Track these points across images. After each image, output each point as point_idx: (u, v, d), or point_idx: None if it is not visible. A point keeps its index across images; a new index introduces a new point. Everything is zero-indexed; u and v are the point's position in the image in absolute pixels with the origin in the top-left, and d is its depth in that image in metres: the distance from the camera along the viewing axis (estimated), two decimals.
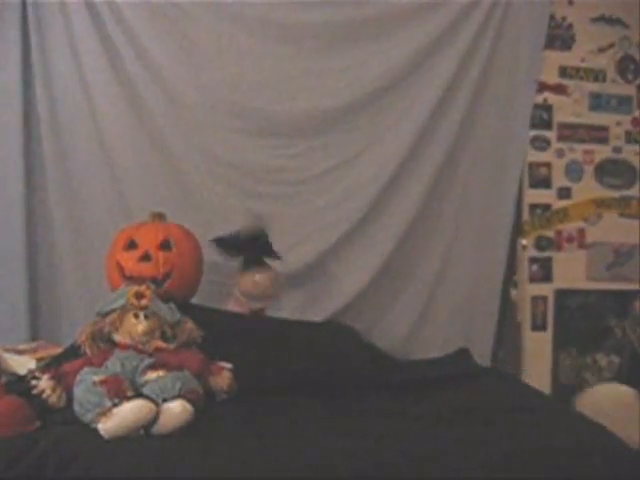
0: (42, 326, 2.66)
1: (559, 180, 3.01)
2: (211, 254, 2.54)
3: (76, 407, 1.78)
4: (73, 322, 2.50)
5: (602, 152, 3.04)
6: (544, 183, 2.99)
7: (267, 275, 2.49)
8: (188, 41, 2.73)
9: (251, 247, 2.50)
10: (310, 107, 2.76)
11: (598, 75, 3.03)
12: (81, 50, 2.66)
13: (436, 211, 2.87)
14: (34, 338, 2.57)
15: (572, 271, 3.01)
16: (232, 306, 2.52)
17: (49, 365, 2.09)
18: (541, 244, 2.99)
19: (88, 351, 1.99)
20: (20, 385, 1.97)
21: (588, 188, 3.02)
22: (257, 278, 2.47)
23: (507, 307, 2.95)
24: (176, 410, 1.75)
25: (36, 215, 2.68)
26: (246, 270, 2.50)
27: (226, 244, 2.49)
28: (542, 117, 2.99)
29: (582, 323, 3.02)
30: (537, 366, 2.96)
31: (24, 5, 2.60)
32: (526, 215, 2.96)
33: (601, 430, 1.93)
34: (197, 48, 2.73)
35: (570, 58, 3.01)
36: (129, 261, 2.29)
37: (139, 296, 2.00)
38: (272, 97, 2.75)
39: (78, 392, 1.79)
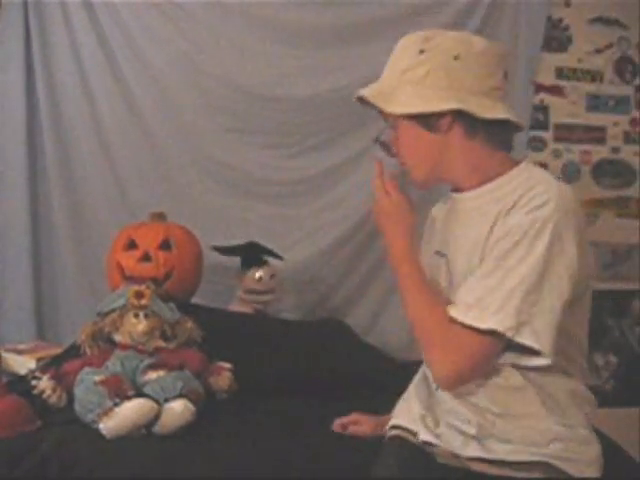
0: (45, 326, 2.65)
1: None
2: (212, 255, 2.54)
3: (77, 407, 1.78)
4: (75, 322, 2.48)
5: (600, 152, 3.06)
6: None
7: (268, 270, 2.52)
8: (186, 41, 2.72)
9: (250, 248, 2.53)
10: (310, 107, 2.75)
11: (595, 76, 3.04)
12: (81, 51, 2.66)
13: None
14: (38, 338, 2.56)
15: None
16: (235, 306, 2.53)
17: (49, 365, 2.08)
18: None
19: (88, 351, 1.98)
20: (20, 385, 1.97)
21: (585, 188, 3.03)
22: (259, 274, 2.50)
23: None
24: (178, 409, 1.74)
25: (39, 214, 2.67)
26: (247, 268, 2.52)
27: (224, 250, 2.52)
28: (538, 118, 3.01)
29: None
30: None
31: (25, 5, 2.60)
32: None
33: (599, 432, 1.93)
34: (195, 48, 2.73)
35: (567, 59, 3.02)
36: (129, 261, 2.28)
37: (139, 296, 1.99)
38: (272, 97, 2.75)
39: (79, 392, 1.79)
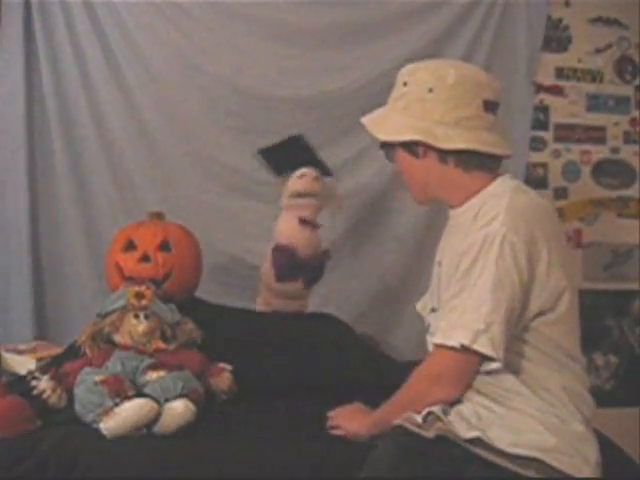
0: (45, 326, 2.66)
1: (555, 180, 3.02)
2: (215, 255, 2.54)
3: (77, 407, 1.78)
4: (75, 322, 2.49)
5: (600, 152, 3.06)
6: (540, 184, 3.00)
7: (311, 171, 2.42)
8: (186, 41, 2.74)
9: (297, 159, 2.44)
10: (310, 107, 2.77)
11: (595, 76, 3.05)
12: (83, 50, 2.68)
13: (438, 212, 2.87)
14: (38, 338, 2.56)
15: None
16: (283, 219, 2.46)
17: (49, 365, 2.08)
18: None
19: (88, 352, 1.98)
20: (20, 385, 1.97)
21: (585, 188, 3.04)
22: (302, 172, 2.41)
23: None
24: (179, 409, 1.74)
25: (42, 214, 2.69)
26: (291, 173, 2.44)
27: (272, 156, 2.46)
28: (538, 118, 3.01)
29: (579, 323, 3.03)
30: None
31: (28, 5, 2.61)
32: None
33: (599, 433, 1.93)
34: (195, 48, 2.74)
35: (567, 59, 3.03)
36: (128, 262, 2.27)
37: (139, 296, 1.99)
38: (271, 97, 2.76)
39: (79, 392, 1.79)
